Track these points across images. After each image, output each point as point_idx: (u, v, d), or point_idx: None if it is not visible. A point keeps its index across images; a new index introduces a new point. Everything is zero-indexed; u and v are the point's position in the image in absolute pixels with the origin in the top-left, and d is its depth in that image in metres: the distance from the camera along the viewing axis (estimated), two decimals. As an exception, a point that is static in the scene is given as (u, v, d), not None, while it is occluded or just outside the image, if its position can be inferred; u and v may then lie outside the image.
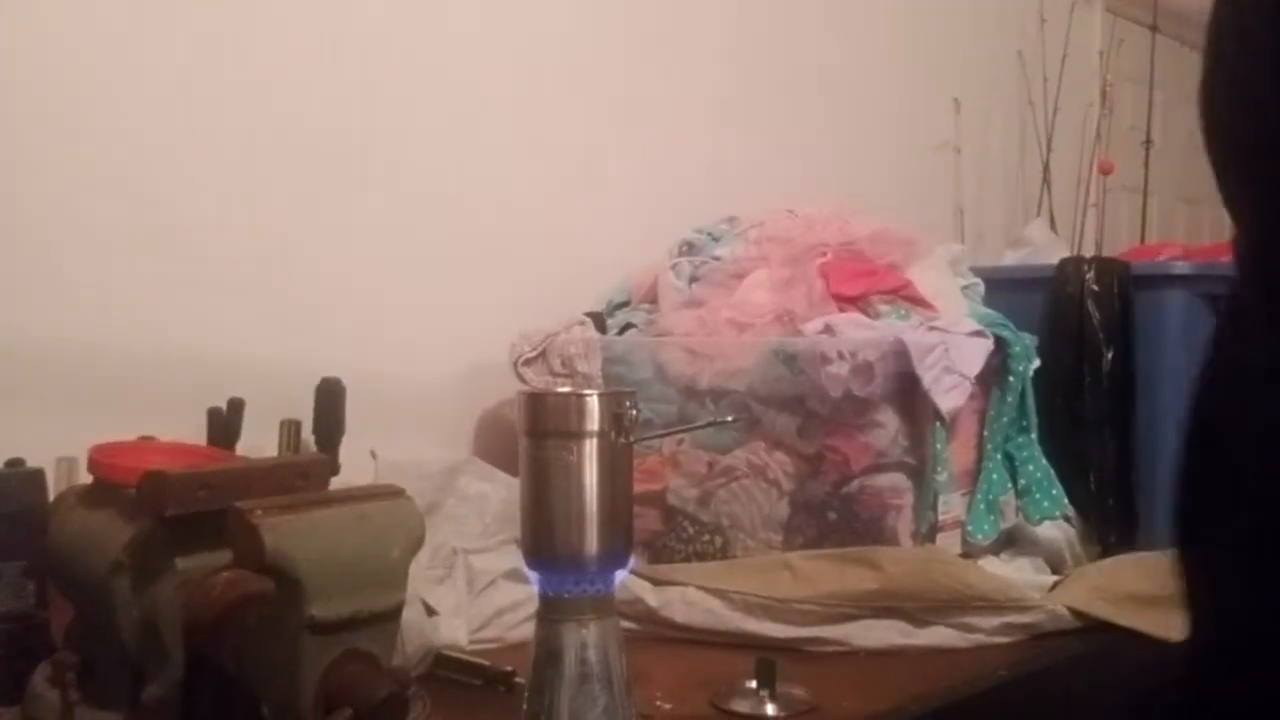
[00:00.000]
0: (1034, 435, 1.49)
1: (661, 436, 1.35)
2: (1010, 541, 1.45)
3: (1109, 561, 1.38)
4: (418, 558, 0.82)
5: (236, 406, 1.20)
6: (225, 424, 1.19)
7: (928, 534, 1.33)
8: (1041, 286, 1.63)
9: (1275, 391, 0.61)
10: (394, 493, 0.83)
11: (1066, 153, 2.43)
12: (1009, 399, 1.44)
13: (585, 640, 0.86)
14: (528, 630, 0.92)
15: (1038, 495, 1.46)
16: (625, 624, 0.99)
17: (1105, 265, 1.61)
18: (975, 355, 1.36)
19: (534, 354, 1.42)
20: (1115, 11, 2.87)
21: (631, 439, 0.88)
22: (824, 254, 1.44)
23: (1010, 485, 1.46)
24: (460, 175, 1.59)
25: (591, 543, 0.87)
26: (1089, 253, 1.96)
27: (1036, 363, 1.48)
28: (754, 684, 1.01)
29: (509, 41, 1.65)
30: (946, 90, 2.36)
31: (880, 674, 1.12)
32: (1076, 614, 1.20)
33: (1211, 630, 0.65)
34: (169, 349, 1.32)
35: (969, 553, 1.37)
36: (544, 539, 0.88)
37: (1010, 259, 2.08)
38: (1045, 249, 2.06)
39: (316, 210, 1.46)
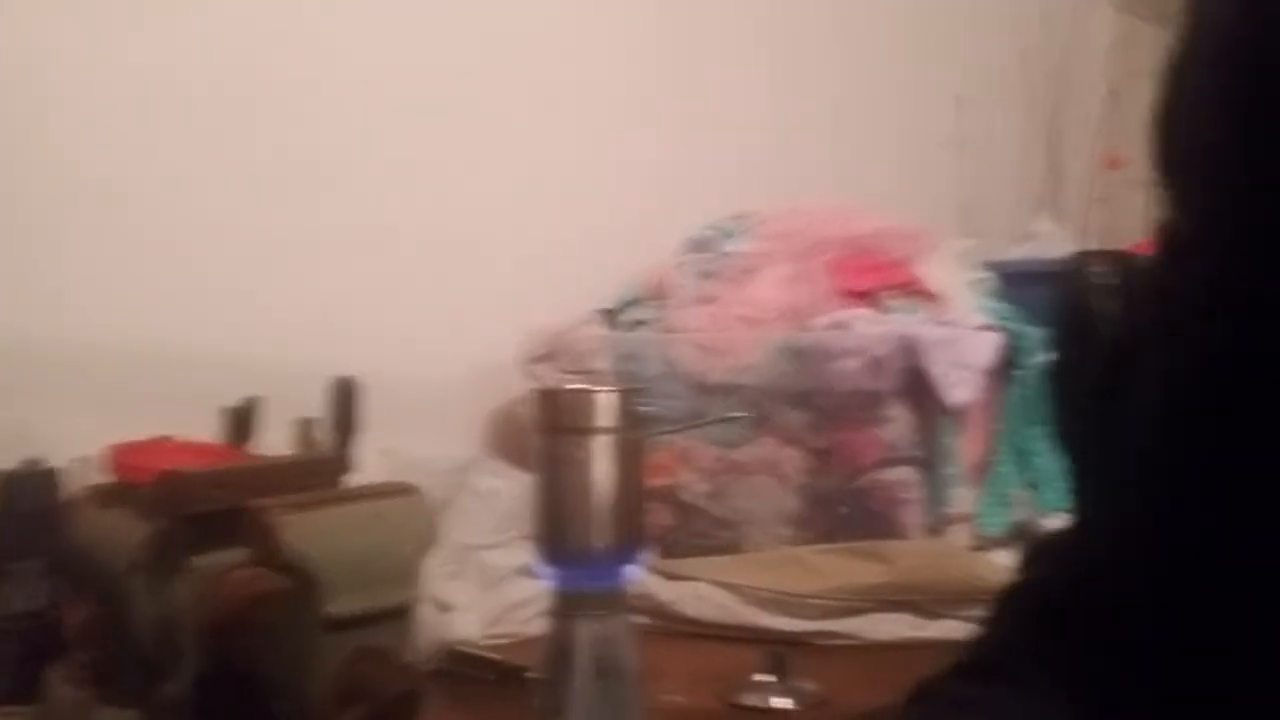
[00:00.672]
0: (1044, 428, 1.49)
1: (673, 432, 1.36)
2: (1021, 535, 1.45)
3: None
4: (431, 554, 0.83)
5: (252, 405, 1.21)
6: (241, 423, 1.20)
7: (938, 527, 1.34)
8: (1050, 280, 1.62)
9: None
10: (407, 490, 0.84)
11: (1073, 148, 2.42)
12: (1019, 392, 1.45)
13: (597, 635, 0.86)
14: (540, 626, 0.92)
15: (1048, 488, 1.46)
16: (637, 618, 1.00)
17: (1115, 258, 1.60)
18: (985, 349, 1.36)
19: (545, 352, 1.43)
20: (1120, 9, 2.85)
21: (643, 435, 0.89)
22: (831, 250, 1.45)
23: (1021, 478, 1.46)
24: (472, 174, 1.60)
25: (603, 538, 0.88)
26: (1097, 246, 1.96)
27: (1046, 356, 1.48)
28: (765, 677, 1.02)
29: (518, 39, 1.66)
30: (948, 87, 2.35)
31: (890, 667, 1.11)
32: (1086, 606, 1.20)
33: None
34: (186, 349, 1.33)
35: (980, 546, 1.37)
36: (556, 535, 0.89)
37: (1018, 253, 2.08)
38: (1053, 243, 2.06)
39: (330, 210, 1.47)
